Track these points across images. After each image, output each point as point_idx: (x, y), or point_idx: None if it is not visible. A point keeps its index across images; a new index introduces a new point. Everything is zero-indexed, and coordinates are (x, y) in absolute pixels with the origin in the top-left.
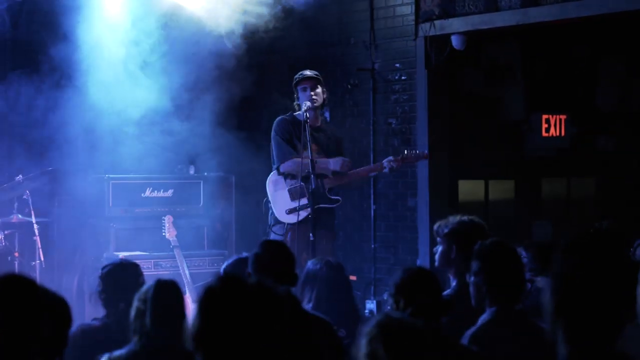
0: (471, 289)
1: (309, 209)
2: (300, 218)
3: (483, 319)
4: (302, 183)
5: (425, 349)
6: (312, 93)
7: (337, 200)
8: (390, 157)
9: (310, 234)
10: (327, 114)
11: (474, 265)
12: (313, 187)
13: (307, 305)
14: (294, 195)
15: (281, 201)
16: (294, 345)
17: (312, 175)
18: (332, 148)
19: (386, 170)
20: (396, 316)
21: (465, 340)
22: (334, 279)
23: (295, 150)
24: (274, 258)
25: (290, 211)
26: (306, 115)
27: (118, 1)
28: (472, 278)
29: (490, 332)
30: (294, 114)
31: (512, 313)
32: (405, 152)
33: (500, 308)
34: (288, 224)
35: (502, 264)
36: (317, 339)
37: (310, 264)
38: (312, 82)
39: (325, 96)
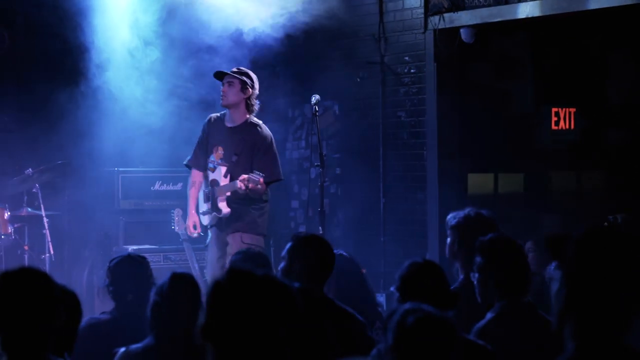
0: (476, 285)
1: (211, 217)
2: (207, 222)
3: (491, 313)
4: (208, 188)
5: (454, 341)
6: (222, 89)
7: (220, 211)
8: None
9: (228, 237)
10: (336, 107)
11: (477, 261)
12: (207, 190)
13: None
14: (205, 198)
15: (200, 202)
16: (304, 338)
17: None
18: (243, 152)
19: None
20: (425, 308)
21: (473, 334)
22: (347, 271)
23: (202, 150)
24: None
25: (203, 213)
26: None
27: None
28: (477, 275)
29: (499, 325)
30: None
31: (521, 306)
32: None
33: (508, 302)
34: (203, 225)
35: (505, 258)
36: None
37: None
38: (225, 77)
39: (251, 101)
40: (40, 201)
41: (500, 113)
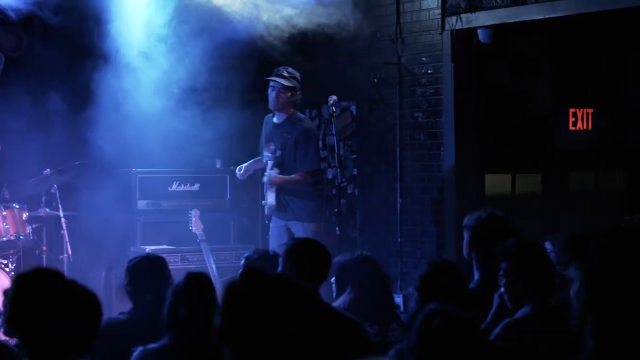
0: (504, 291)
1: (267, 208)
2: (267, 213)
3: (520, 314)
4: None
5: (478, 344)
6: (276, 95)
7: (268, 204)
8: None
9: (286, 224)
10: (353, 108)
11: (503, 266)
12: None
13: (343, 299)
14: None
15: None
16: (317, 339)
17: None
18: (286, 146)
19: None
20: (450, 310)
21: (498, 329)
22: (369, 272)
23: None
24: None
25: (264, 204)
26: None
27: None
28: (504, 280)
29: (528, 326)
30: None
31: (549, 309)
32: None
33: (536, 305)
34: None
35: (532, 261)
36: (343, 335)
37: (342, 257)
38: (274, 84)
39: (294, 99)
40: (58, 201)
41: (518, 114)
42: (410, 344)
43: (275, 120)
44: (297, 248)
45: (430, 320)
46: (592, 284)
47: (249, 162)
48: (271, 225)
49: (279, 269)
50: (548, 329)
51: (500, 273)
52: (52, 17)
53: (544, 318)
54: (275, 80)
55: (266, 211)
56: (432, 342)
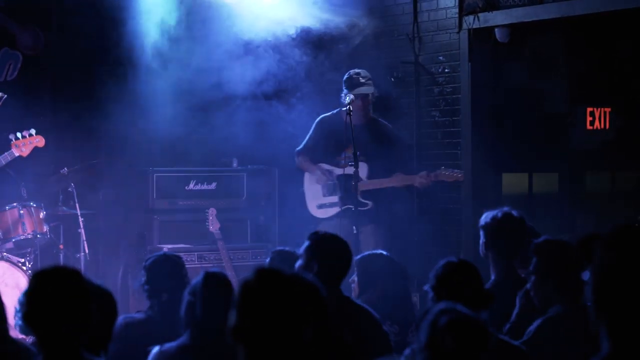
0: (531, 288)
1: (337, 207)
2: (328, 215)
3: (549, 314)
4: (336, 181)
5: (486, 343)
6: (362, 104)
7: (366, 204)
8: (423, 173)
9: (354, 227)
10: (370, 107)
11: (534, 263)
12: (341, 194)
13: (365, 298)
14: (327, 191)
15: (314, 195)
16: (333, 338)
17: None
18: (381, 147)
19: (416, 184)
20: (459, 309)
21: (532, 329)
22: (392, 272)
23: (328, 149)
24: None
25: (321, 206)
26: (349, 107)
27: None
28: (533, 277)
29: (556, 328)
30: (340, 109)
31: (578, 309)
32: (441, 170)
33: (565, 306)
34: (317, 218)
35: (563, 261)
36: (363, 332)
37: (364, 256)
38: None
39: (373, 97)
40: (76, 200)
41: (535, 113)
42: (420, 343)
43: (354, 120)
44: (320, 243)
45: (438, 319)
46: (601, 284)
47: (320, 168)
48: (331, 225)
49: (300, 262)
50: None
51: (530, 269)
52: (70, 16)
53: (577, 318)
54: (363, 92)
55: (336, 213)
56: (440, 341)
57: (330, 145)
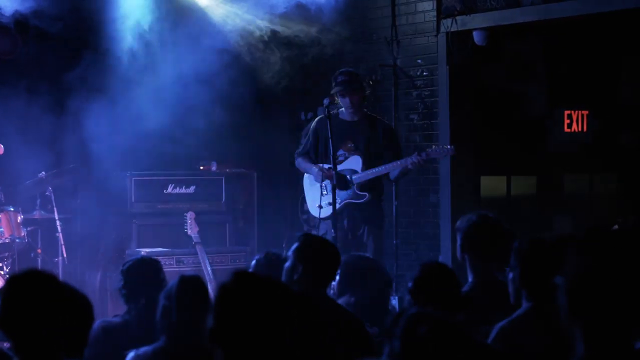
0: (510, 284)
1: (338, 206)
2: (328, 214)
3: (518, 312)
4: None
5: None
6: (350, 98)
7: (363, 196)
8: (414, 154)
9: (332, 230)
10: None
11: (512, 260)
12: (334, 182)
13: (344, 300)
14: (325, 189)
15: (314, 196)
16: (311, 340)
17: (333, 173)
18: (375, 141)
19: (410, 166)
20: (434, 315)
21: (494, 332)
22: (373, 275)
23: (324, 148)
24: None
25: (321, 206)
26: (327, 110)
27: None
28: (510, 274)
29: (523, 326)
30: (338, 110)
31: (547, 308)
32: (432, 148)
33: (535, 304)
34: (318, 218)
35: (537, 261)
36: (343, 334)
37: (345, 258)
38: (345, 90)
39: (364, 93)
40: (54, 204)
41: (513, 115)
42: (393, 350)
43: (348, 118)
44: (308, 245)
45: (415, 327)
46: (573, 290)
47: (318, 166)
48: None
49: (287, 264)
50: (544, 331)
51: (508, 267)
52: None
53: (541, 319)
54: (354, 85)
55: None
56: (420, 351)
57: (327, 144)
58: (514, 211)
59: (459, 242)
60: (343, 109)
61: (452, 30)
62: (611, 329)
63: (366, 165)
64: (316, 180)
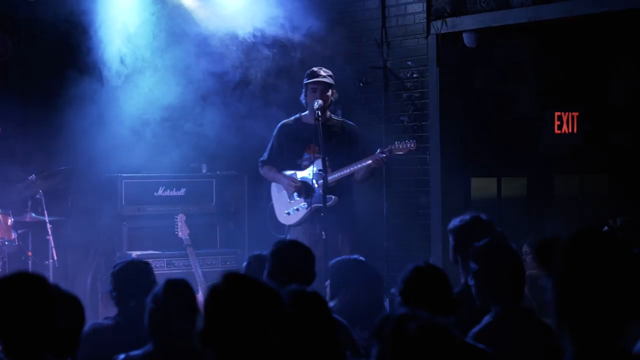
0: (473, 291)
1: (306, 211)
2: (297, 219)
3: (487, 318)
4: (300, 184)
5: (450, 347)
6: (322, 95)
7: (330, 199)
8: (377, 151)
9: (323, 232)
10: (339, 112)
11: (472, 267)
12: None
13: (336, 302)
14: (291, 195)
15: (282, 203)
16: (301, 342)
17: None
18: (341, 144)
19: (374, 165)
20: (423, 316)
21: (469, 338)
22: (366, 277)
23: (289, 153)
24: (290, 258)
25: (288, 213)
26: (318, 113)
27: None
28: (472, 281)
29: (495, 331)
30: (301, 114)
31: (517, 311)
32: (394, 145)
33: (504, 308)
34: (287, 225)
35: (499, 265)
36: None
37: (338, 260)
38: (324, 86)
39: (333, 97)
40: (44, 207)
41: (503, 117)
42: (381, 352)
43: (312, 122)
44: (283, 249)
45: (404, 328)
46: (561, 291)
47: (284, 175)
48: (297, 233)
49: (266, 269)
50: (513, 335)
51: (470, 274)
52: (38, 21)
53: (509, 323)
54: (323, 81)
55: (303, 218)
56: (409, 352)
57: (291, 149)
58: (504, 213)
59: (451, 243)
60: (307, 112)
61: (442, 32)
62: (600, 331)
63: (332, 168)
64: (287, 193)
